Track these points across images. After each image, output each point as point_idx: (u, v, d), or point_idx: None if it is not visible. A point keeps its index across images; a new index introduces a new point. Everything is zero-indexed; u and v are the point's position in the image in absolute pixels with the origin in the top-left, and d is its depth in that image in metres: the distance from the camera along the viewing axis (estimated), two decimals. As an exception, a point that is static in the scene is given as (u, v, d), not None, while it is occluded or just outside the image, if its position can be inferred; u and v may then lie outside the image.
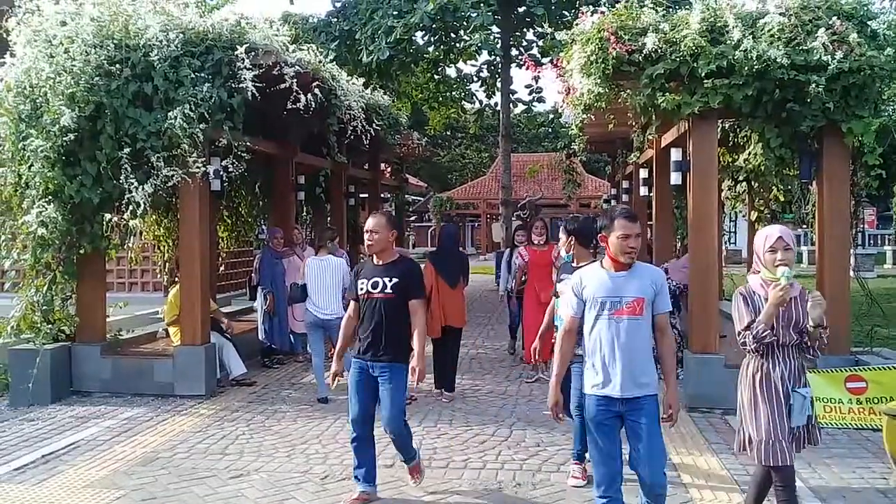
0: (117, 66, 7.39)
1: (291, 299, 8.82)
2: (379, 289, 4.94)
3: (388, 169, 18.31)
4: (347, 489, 5.23)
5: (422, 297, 5.06)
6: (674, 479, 5.38)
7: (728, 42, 6.84)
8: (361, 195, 16.24)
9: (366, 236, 5.01)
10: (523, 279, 8.82)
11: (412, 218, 41.16)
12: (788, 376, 3.98)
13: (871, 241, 33.79)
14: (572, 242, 5.67)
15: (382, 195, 17.24)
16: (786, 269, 3.77)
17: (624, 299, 3.90)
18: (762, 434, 3.99)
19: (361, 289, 5.01)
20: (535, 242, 8.73)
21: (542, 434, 6.51)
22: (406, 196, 20.05)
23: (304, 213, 13.38)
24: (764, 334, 3.83)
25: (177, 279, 8.73)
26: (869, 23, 6.91)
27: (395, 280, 4.91)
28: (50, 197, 7.50)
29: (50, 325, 7.89)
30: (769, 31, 6.76)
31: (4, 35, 7.64)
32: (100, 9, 7.53)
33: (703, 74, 6.84)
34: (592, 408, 4.01)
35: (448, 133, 46.53)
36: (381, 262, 5.02)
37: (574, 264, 5.46)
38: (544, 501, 5.00)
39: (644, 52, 6.93)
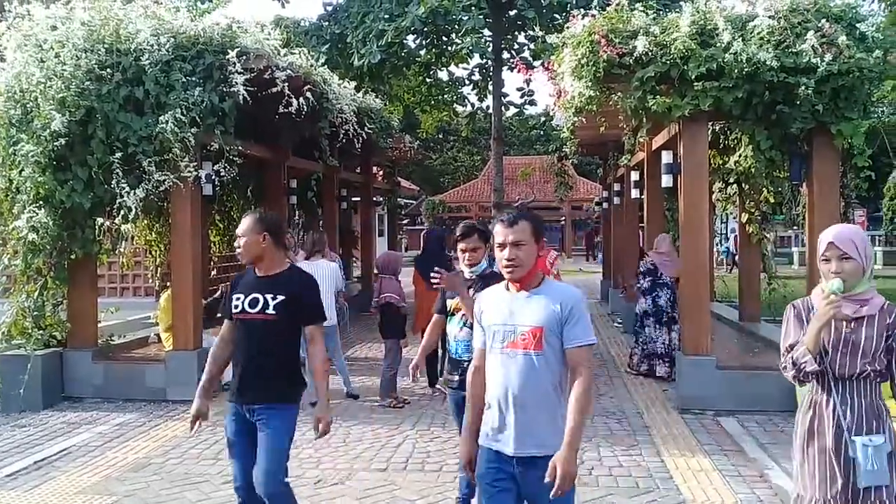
0: (108, 70, 7.38)
1: None
2: (258, 308, 3.87)
3: (381, 172, 18.33)
4: (340, 493, 5.23)
5: (319, 321, 4.00)
6: (667, 481, 5.41)
7: (718, 45, 6.88)
8: (353, 199, 16.25)
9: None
10: None
11: (404, 221, 41.15)
12: (851, 419, 3.01)
13: (862, 243, 33.88)
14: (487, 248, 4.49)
15: (374, 198, 17.25)
16: (838, 281, 2.96)
17: (518, 328, 3.06)
18: (802, 491, 3.18)
19: (236, 307, 3.96)
20: None
21: (535, 436, 6.52)
22: (398, 199, 20.05)
23: (297, 218, 13.37)
24: (804, 360, 2.96)
25: (169, 284, 8.71)
26: (857, 25, 6.95)
27: (280, 298, 3.86)
28: (41, 202, 7.47)
29: (41, 331, 7.86)
30: (759, 33, 6.80)
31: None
32: (90, 13, 7.52)
33: (693, 77, 6.87)
34: (482, 464, 3.15)
35: (440, 136, 46.55)
36: (263, 274, 3.97)
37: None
38: (537, 504, 5.00)
39: (634, 55, 6.96)
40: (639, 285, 9.37)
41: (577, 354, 3.03)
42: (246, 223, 3.94)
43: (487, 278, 4.23)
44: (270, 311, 3.85)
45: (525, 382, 3.03)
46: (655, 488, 5.27)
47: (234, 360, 4.01)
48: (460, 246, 4.52)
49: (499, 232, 3.11)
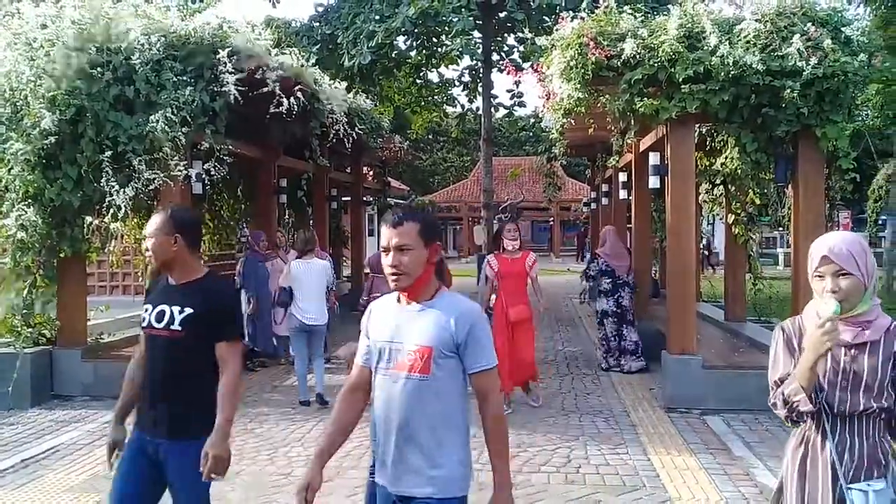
0: (98, 69, 7.38)
1: (281, 304, 8.78)
2: (164, 322, 3.25)
3: (371, 172, 18.34)
4: (329, 492, 5.26)
5: (233, 339, 3.27)
6: (653, 479, 5.46)
7: (705, 48, 6.94)
8: (344, 199, 16.26)
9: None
10: (493, 295, 7.52)
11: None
12: (849, 464, 2.46)
13: (847, 244, 34.09)
14: None
15: (364, 198, 17.26)
16: (834, 303, 2.39)
17: (405, 347, 2.62)
18: None
19: (143, 318, 3.38)
20: (507, 249, 7.39)
21: (523, 435, 6.57)
22: (388, 199, 20.06)
23: (287, 217, 13.37)
24: (796, 399, 2.42)
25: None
26: (843, 29, 7.03)
27: (188, 311, 3.20)
28: (30, 200, 7.47)
29: (30, 329, 7.85)
30: (745, 37, 6.88)
31: (-16, 38, 7.61)
32: (81, 12, 7.51)
33: (680, 80, 6.93)
34: (377, 499, 2.80)
35: (430, 137, 46.54)
36: (175, 282, 3.33)
37: None
38: (525, 502, 5.05)
39: (623, 57, 7.02)
40: (601, 288, 9.57)
41: (482, 380, 2.64)
42: (155, 221, 3.31)
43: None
44: (176, 326, 3.20)
45: (408, 411, 2.60)
46: (642, 486, 5.33)
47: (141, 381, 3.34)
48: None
49: (383, 234, 2.69)
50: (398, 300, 2.73)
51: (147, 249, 3.36)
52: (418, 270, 2.63)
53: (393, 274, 2.63)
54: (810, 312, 2.56)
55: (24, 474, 5.66)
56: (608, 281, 9.47)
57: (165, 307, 3.26)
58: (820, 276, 2.48)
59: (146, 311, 3.35)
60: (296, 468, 5.73)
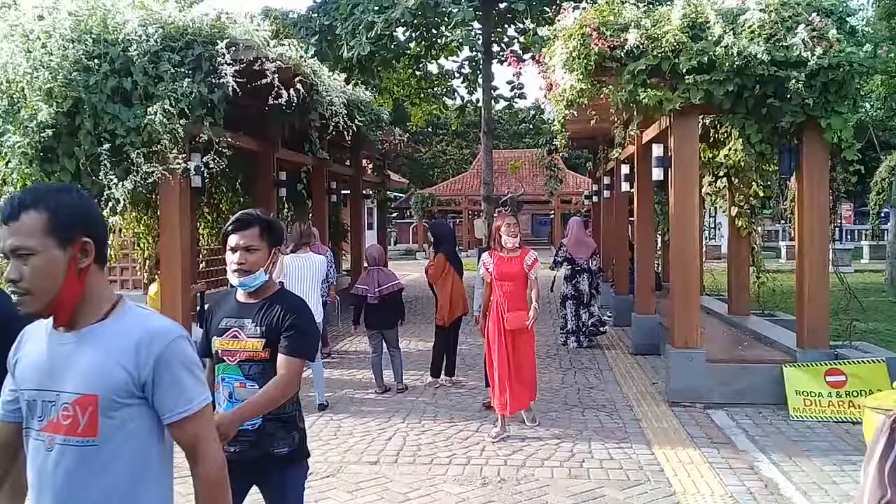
0: (96, 60, 7.29)
1: None
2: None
3: (370, 165, 18.26)
4: (331, 486, 5.22)
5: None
6: (657, 473, 5.42)
7: (709, 38, 6.88)
8: (343, 192, 16.19)
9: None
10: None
11: (394, 215, 41.10)
12: None
13: (849, 237, 34.18)
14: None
15: (364, 192, 17.19)
16: None
17: (60, 399, 1.85)
18: None
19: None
20: (506, 246, 6.52)
21: (526, 430, 6.53)
22: (388, 193, 20.00)
23: (286, 210, 13.30)
24: None
25: (157, 276, 8.64)
26: (848, 19, 6.98)
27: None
28: (27, 193, 7.39)
29: (28, 323, 7.77)
30: (749, 27, 6.81)
31: (-20, 29, 7.53)
32: (77, 3, 7.42)
33: (684, 70, 6.86)
34: None
35: (429, 129, 46.48)
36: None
37: None
38: (528, 496, 5.01)
39: (626, 48, 6.95)
40: (564, 274, 10.81)
41: (186, 430, 1.91)
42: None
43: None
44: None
45: (65, 493, 1.83)
46: (646, 481, 5.29)
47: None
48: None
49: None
50: (50, 328, 1.90)
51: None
52: (51, 284, 1.79)
53: (13, 293, 1.81)
54: None
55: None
56: (568, 268, 10.70)
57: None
58: None
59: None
60: (297, 463, 5.68)
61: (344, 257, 17.65)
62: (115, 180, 7.24)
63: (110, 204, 7.30)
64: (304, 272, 7.56)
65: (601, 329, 10.81)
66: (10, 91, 7.38)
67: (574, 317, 10.58)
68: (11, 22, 7.45)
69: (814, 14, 6.83)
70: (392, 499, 5.00)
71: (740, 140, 7.76)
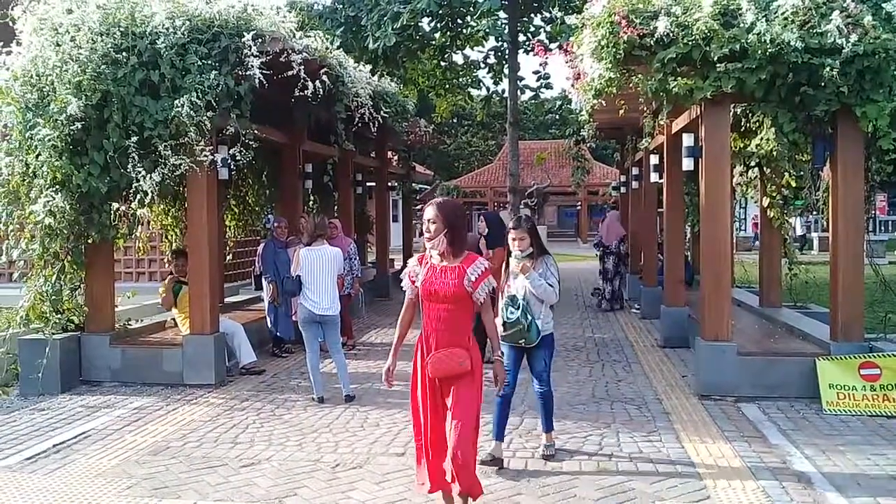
0: (124, 53, 7.34)
1: (288, 293, 8.65)
2: None
3: (395, 157, 18.25)
4: (359, 477, 5.21)
5: None
6: (687, 468, 5.35)
7: (741, 25, 6.74)
8: (369, 184, 16.20)
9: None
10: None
11: (419, 206, 41.10)
12: None
13: (883, 228, 33.59)
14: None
15: (389, 183, 17.19)
16: None
17: None
18: None
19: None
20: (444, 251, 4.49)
21: (554, 422, 6.46)
22: (413, 184, 19.99)
23: (312, 202, 13.34)
24: None
25: (172, 269, 8.70)
26: (884, 5, 6.80)
27: None
28: (58, 186, 7.46)
29: (59, 315, 7.87)
30: (783, 13, 6.67)
31: (11, 23, 7.60)
32: (106, -4, 7.48)
33: (715, 58, 6.74)
34: None
35: (455, 121, 46.41)
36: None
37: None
38: (556, 489, 4.97)
39: (656, 36, 6.83)
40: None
41: None
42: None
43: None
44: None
45: None
46: (676, 474, 5.22)
47: None
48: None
49: None
50: None
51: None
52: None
53: None
54: None
55: (55, 459, 5.67)
56: (599, 249, 14.20)
57: None
58: None
59: None
60: (325, 454, 5.69)
61: (369, 249, 17.67)
62: (143, 173, 7.30)
63: (138, 196, 7.36)
64: (320, 264, 7.44)
65: (616, 304, 13.74)
66: (40, 84, 7.47)
67: (602, 290, 14.06)
68: (41, 16, 7.53)
69: (848, 0, 6.67)
70: (419, 490, 4.98)
71: (772, 129, 7.62)
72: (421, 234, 4.87)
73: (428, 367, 4.36)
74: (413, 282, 4.52)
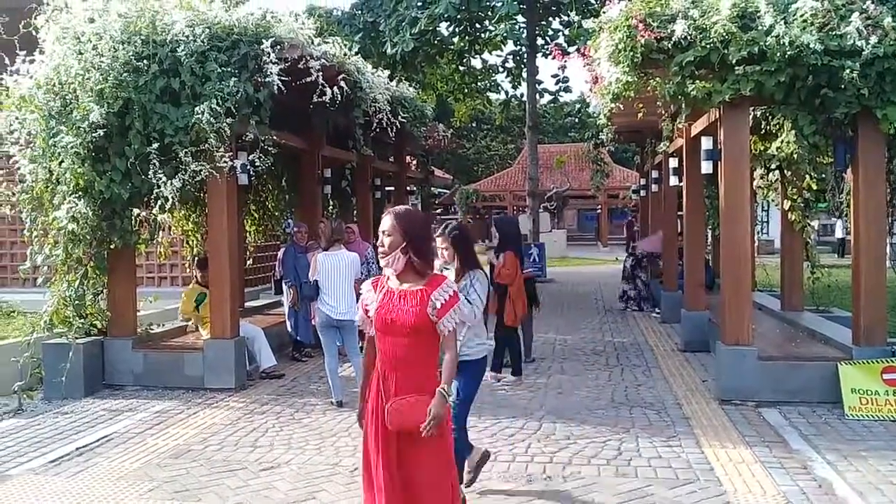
0: (145, 61, 7.43)
1: (306, 298, 8.69)
2: None
3: (414, 161, 18.30)
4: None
5: None
6: (706, 472, 5.32)
7: (759, 28, 6.71)
8: (387, 188, 16.24)
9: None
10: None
11: (438, 210, 41.15)
12: None
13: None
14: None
15: (408, 188, 17.22)
16: None
17: None
18: None
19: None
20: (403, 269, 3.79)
21: (573, 427, 6.46)
22: (432, 189, 20.02)
23: (331, 207, 13.40)
24: None
25: (198, 278, 8.77)
26: (904, 6, 6.73)
27: None
28: (80, 192, 7.57)
29: (82, 320, 7.97)
30: (802, 16, 6.62)
31: (34, 32, 7.72)
32: (127, 5, 7.57)
33: (734, 61, 6.71)
34: None
35: (473, 125, 46.41)
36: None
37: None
38: (575, 494, 4.96)
39: (673, 39, 6.82)
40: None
41: None
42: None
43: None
44: None
45: None
46: (695, 480, 5.19)
47: None
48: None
49: None
50: None
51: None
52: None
53: None
54: None
55: (78, 462, 5.74)
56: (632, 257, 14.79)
57: None
58: None
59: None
60: (343, 458, 5.72)
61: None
62: (164, 179, 7.38)
63: (159, 202, 7.44)
64: (337, 269, 7.46)
65: (624, 303, 14.43)
66: (63, 92, 7.58)
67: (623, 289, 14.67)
68: (63, 25, 7.63)
69: (868, 1, 6.62)
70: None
71: (793, 132, 7.56)
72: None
73: (386, 417, 3.47)
74: (365, 310, 3.66)
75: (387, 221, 3.58)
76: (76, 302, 7.90)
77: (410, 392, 3.46)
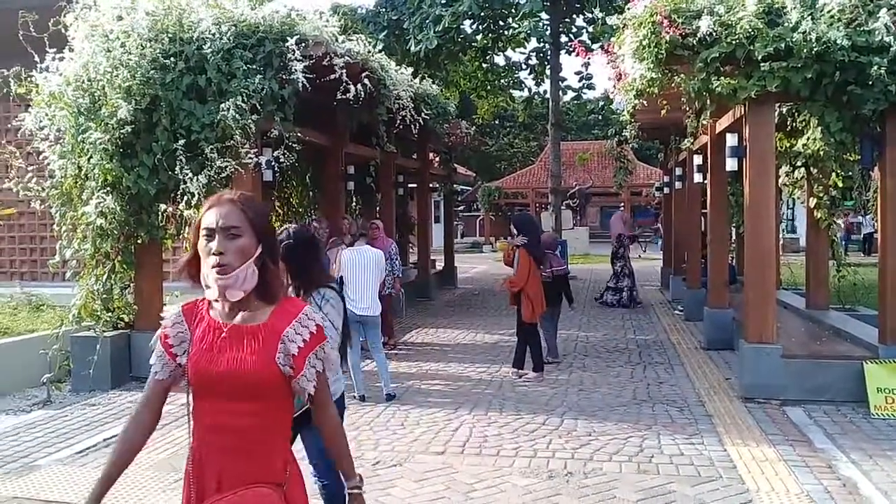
0: (172, 59, 7.52)
1: None
2: None
3: (437, 158, 18.34)
4: (399, 475, 5.27)
5: None
6: (729, 469, 5.30)
7: (786, 24, 6.65)
8: (410, 185, 16.30)
9: None
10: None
11: (460, 207, 41.14)
12: None
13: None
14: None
15: (431, 185, 17.26)
16: None
17: None
18: None
19: None
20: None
21: (594, 423, 6.46)
22: (454, 185, 20.03)
23: (354, 204, 13.47)
24: None
25: None
26: (934, 2, 6.64)
27: None
28: (108, 188, 7.68)
29: (110, 313, 8.09)
30: (829, 12, 6.56)
31: (63, 30, 7.84)
32: (154, 3, 7.67)
33: (759, 57, 6.66)
34: None
35: (496, 122, 46.34)
36: None
37: None
38: (596, 490, 4.96)
39: (698, 35, 6.78)
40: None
41: None
42: None
43: None
44: None
45: None
46: (718, 477, 5.17)
47: None
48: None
49: None
50: None
51: None
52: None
53: None
54: None
55: (105, 453, 5.81)
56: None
57: None
58: None
59: None
60: (365, 452, 5.76)
61: (411, 250, 17.77)
62: (191, 175, 7.46)
63: (186, 197, 7.53)
64: (361, 265, 7.51)
65: (604, 294, 14.77)
66: (91, 89, 7.68)
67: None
68: (92, 23, 7.74)
69: (897, -4, 6.54)
70: (458, 489, 5.02)
71: (819, 129, 7.49)
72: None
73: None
74: (171, 353, 2.37)
75: (230, 214, 2.24)
76: (104, 296, 8.02)
77: (242, 484, 2.22)
